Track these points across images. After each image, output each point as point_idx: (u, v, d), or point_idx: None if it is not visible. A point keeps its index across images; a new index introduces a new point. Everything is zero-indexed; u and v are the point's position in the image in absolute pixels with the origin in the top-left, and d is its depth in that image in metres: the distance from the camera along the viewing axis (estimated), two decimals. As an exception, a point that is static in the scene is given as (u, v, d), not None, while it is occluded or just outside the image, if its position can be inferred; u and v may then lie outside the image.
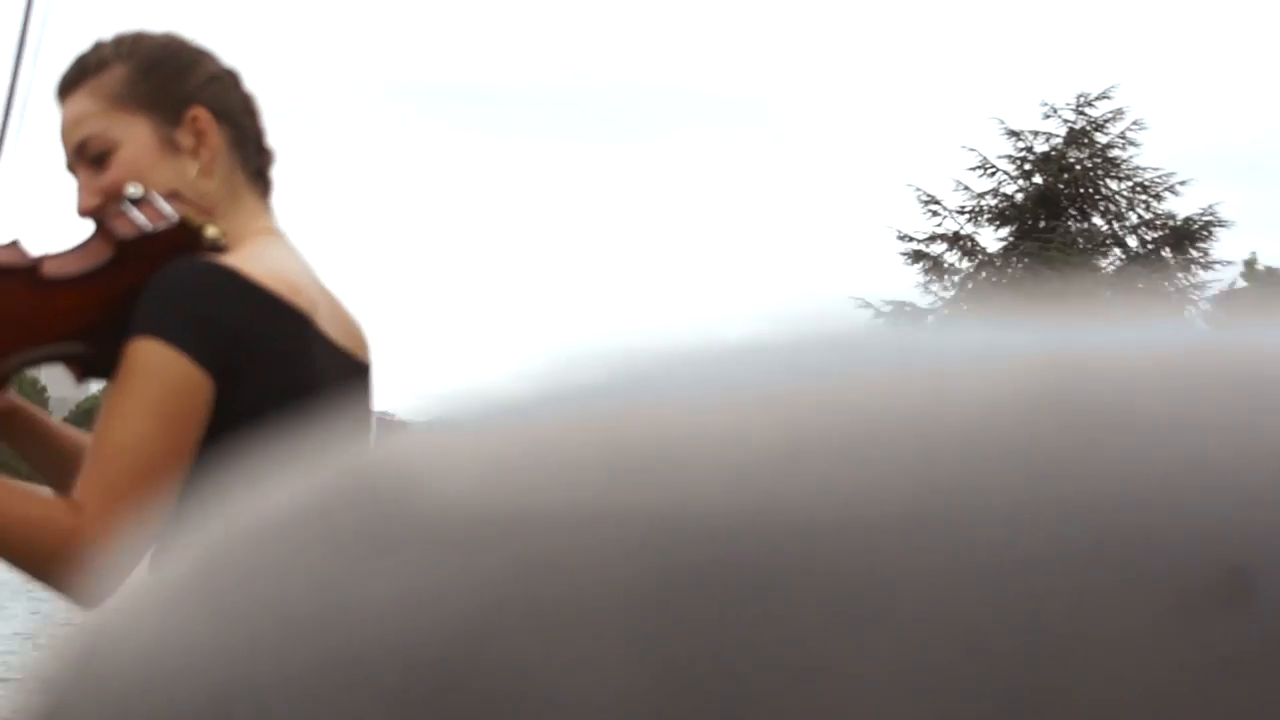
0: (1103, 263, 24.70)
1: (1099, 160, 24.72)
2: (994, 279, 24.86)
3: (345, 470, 0.24)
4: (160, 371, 1.70)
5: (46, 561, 1.69)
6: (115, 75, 1.86)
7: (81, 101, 1.86)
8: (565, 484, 0.21)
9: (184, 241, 1.77)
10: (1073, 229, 24.70)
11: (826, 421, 0.20)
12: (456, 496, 0.22)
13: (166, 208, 1.78)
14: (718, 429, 0.21)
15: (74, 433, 2.00)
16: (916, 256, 25.50)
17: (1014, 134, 24.98)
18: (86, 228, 1.83)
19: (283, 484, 0.25)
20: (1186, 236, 24.20)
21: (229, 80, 1.92)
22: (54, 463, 1.96)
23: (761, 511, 0.20)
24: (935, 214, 25.64)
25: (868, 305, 25.75)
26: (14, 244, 1.79)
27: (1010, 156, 25.05)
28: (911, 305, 25.51)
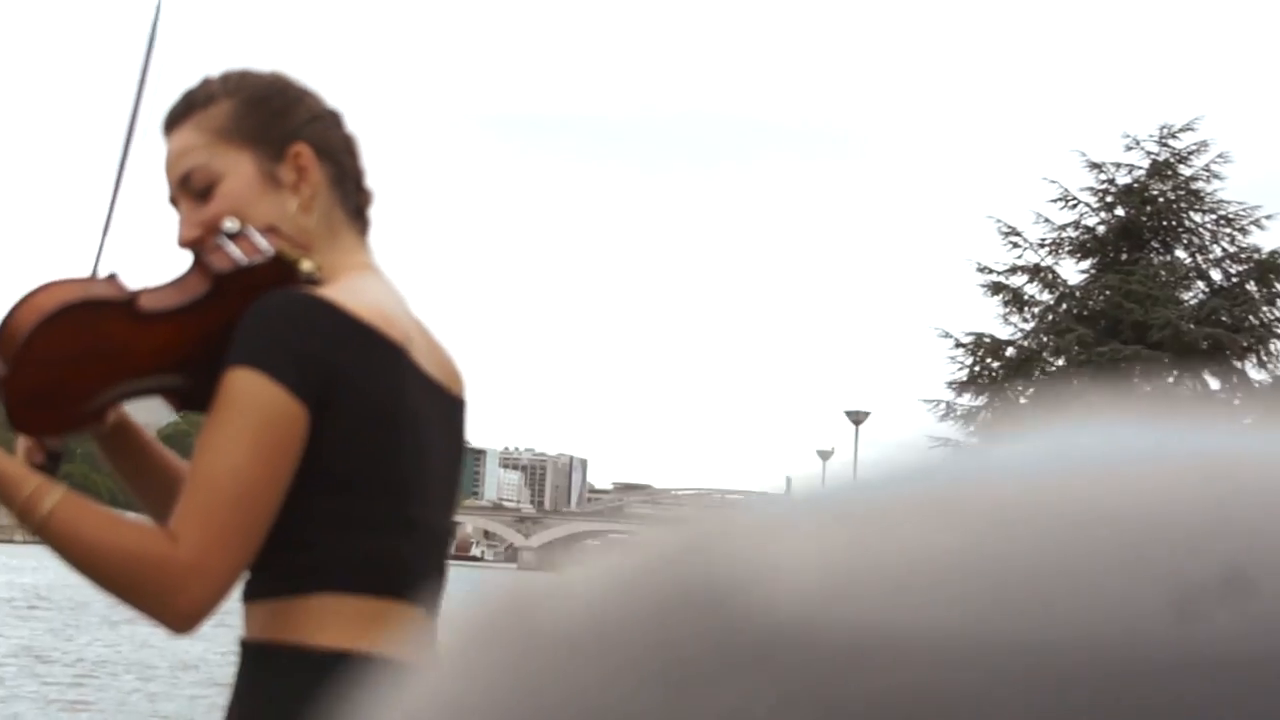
0: (1185, 296, 24.46)
1: (1182, 193, 24.48)
2: (1075, 312, 24.68)
3: (687, 561, 0.22)
4: (256, 402, 1.72)
5: (141, 589, 1.71)
6: (221, 110, 1.89)
7: (187, 134, 1.89)
8: (951, 594, 0.18)
9: (280, 276, 1.78)
10: (1155, 262, 24.46)
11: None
12: (811, 604, 0.19)
13: (263, 242, 1.80)
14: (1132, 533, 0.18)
15: (176, 458, 2.01)
16: (996, 289, 25.34)
17: (1096, 166, 24.80)
18: (184, 260, 1.84)
19: (613, 570, 0.23)
20: (1271, 270, 23.88)
21: (331, 120, 1.94)
22: (154, 486, 1.98)
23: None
24: (1015, 246, 25.47)
25: (947, 336, 25.58)
26: (112, 277, 1.81)
27: (1092, 188, 24.87)
28: (991, 337, 25.35)
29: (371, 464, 1.78)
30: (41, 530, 1.73)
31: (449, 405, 1.93)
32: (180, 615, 1.72)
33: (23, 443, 1.83)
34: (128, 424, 1.97)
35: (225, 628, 2.14)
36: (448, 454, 1.92)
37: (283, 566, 1.79)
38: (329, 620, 1.78)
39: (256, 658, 1.83)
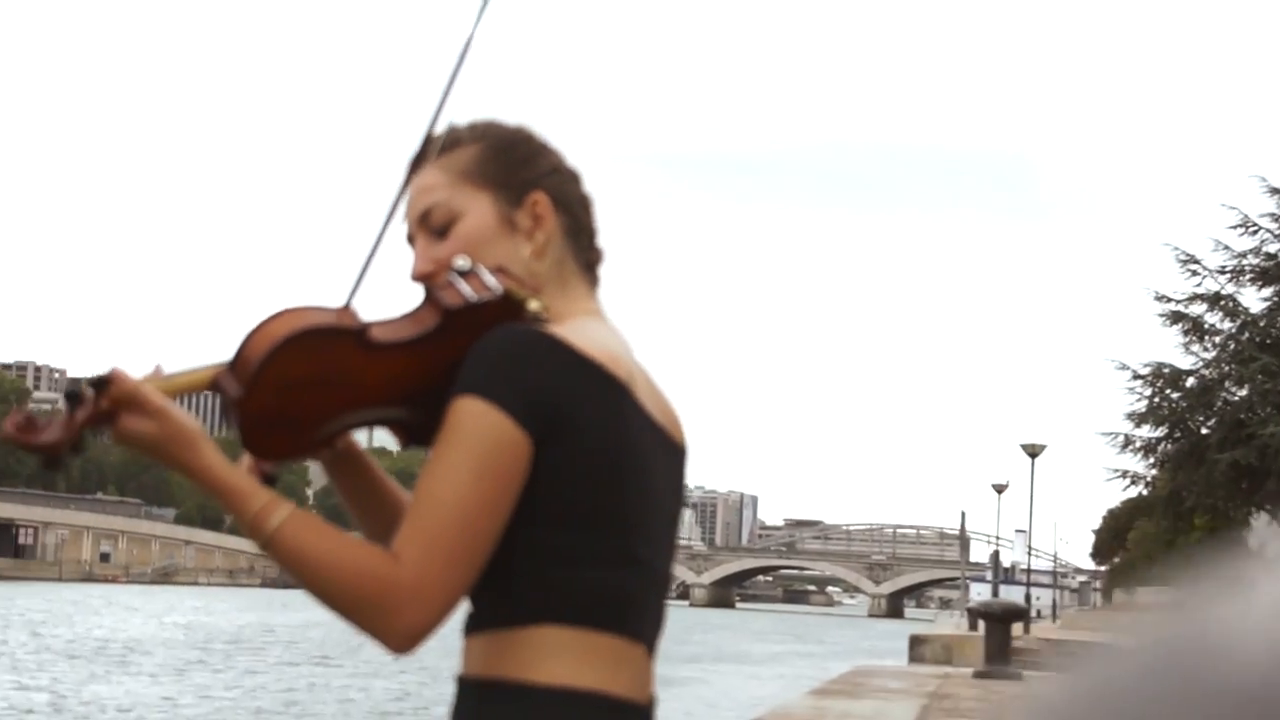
0: (1373, 322, 23.77)
1: (1367, 217, 23.84)
2: (1258, 340, 24.10)
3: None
4: (482, 430, 1.75)
5: (361, 607, 1.73)
6: (467, 153, 1.95)
7: (431, 174, 1.95)
8: None
9: (508, 314, 1.82)
10: (1340, 288, 23.83)
11: None
12: None
13: (492, 280, 1.84)
14: None
15: (398, 487, 2.05)
16: (1175, 318, 24.88)
17: (1276, 191, 24.24)
18: (416, 296, 1.89)
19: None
20: None
21: (570, 176, 1.99)
22: (375, 511, 2.02)
23: None
24: (1194, 274, 25.01)
25: (1125, 368, 25.11)
26: (346, 308, 1.85)
27: (1273, 214, 24.33)
28: (1170, 367, 24.86)
29: (595, 498, 1.79)
30: (269, 544, 1.76)
31: (671, 451, 1.94)
32: (398, 635, 1.73)
33: (245, 462, 1.88)
34: (354, 450, 2.02)
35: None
36: (669, 497, 1.92)
37: (504, 598, 1.79)
38: (551, 654, 1.77)
39: (474, 694, 1.82)
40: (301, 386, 1.78)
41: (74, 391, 1.73)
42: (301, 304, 1.83)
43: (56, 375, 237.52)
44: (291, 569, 1.76)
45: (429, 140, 1.97)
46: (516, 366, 1.76)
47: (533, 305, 1.84)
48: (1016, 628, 22.76)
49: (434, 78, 1.96)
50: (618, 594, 1.81)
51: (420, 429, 1.85)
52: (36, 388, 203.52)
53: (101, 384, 1.73)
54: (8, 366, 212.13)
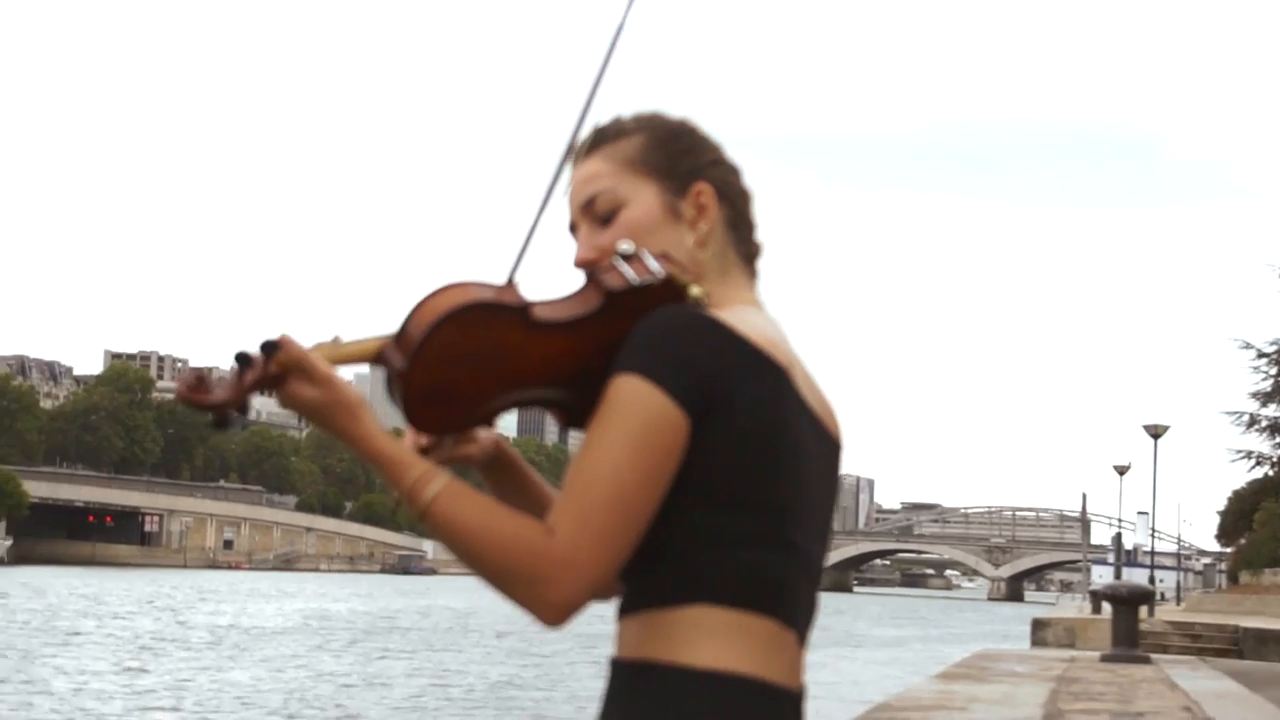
0: None
1: None
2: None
3: None
4: (639, 407, 1.75)
5: (514, 578, 1.74)
6: (632, 142, 1.97)
7: (596, 162, 1.97)
8: None
9: (669, 298, 1.82)
10: None
11: None
12: None
13: (655, 264, 1.85)
14: None
15: (546, 483, 2.08)
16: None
17: None
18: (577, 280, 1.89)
19: None
20: None
21: (732, 169, 2.00)
22: (519, 497, 2.03)
23: None
24: (1323, 249, 24.49)
25: (1249, 346, 24.73)
26: (510, 285, 1.86)
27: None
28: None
29: (751, 480, 1.78)
30: (424, 514, 1.77)
31: (826, 441, 1.92)
32: (550, 606, 1.73)
33: (407, 437, 1.90)
34: (507, 453, 2.05)
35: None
36: (824, 486, 1.91)
37: (657, 579, 1.79)
38: (704, 636, 1.77)
39: (627, 676, 1.82)
40: (463, 361, 1.79)
41: (244, 354, 1.75)
42: (466, 279, 1.83)
43: (179, 364, 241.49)
44: (446, 539, 1.77)
45: (596, 130, 1.98)
46: (676, 345, 1.76)
47: (694, 291, 1.85)
48: (1142, 611, 22.44)
49: (594, 58, 1.95)
50: (771, 576, 1.80)
51: (579, 411, 1.85)
52: (160, 376, 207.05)
53: (271, 348, 1.75)
54: (132, 356, 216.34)
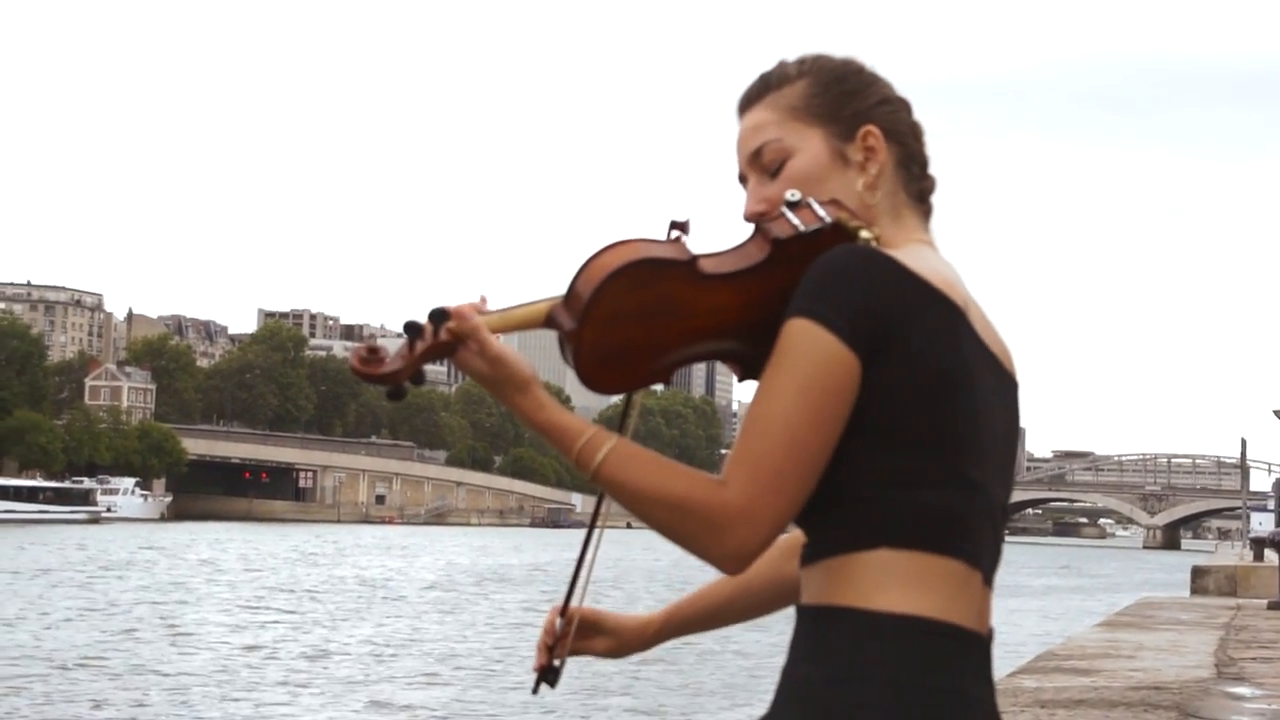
0: None
1: None
2: None
3: None
4: (810, 351, 1.73)
5: (689, 532, 1.74)
6: (796, 89, 1.95)
7: (762, 112, 1.95)
8: None
9: (839, 243, 1.80)
10: None
11: None
12: None
13: (823, 211, 1.83)
14: None
15: (711, 590, 2.17)
16: None
17: None
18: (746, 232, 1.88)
19: None
20: None
21: (900, 105, 1.97)
22: (722, 621, 2.15)
23: None
24: None
25: None
26: (677, 240, 1.83)
27: None
28: None
29: (927, 419, 1.75)
30: (596, 476, 1.78)
31: (1004, 380, 1.89)
32: (728, 556, 1.74)
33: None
34: (681, 614, 2.16)
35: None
36: (1004, 424, 1.87)
37: (837, 524, 1.78)
38: (887, 578, 1.75)
39: (812, 621, 1.80)
40: (634, 318, 1.78)
41: (414, 324, 1.77)
42: (632, 236, 1.81)
43: (330, 322, 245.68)
44: (619, 498, 1.78)
45: (760, 78, 1.97)
46: (844, 285, 1.74)
47: (864, 234, 1.82)
48: (1309, 557, 21.89)
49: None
50: (952, 516, 1.77)
51: (755, 362, 1.83)
52: (312, 334, 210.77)
53: (440, 316, 1.77)
54: (284, 315, 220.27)
